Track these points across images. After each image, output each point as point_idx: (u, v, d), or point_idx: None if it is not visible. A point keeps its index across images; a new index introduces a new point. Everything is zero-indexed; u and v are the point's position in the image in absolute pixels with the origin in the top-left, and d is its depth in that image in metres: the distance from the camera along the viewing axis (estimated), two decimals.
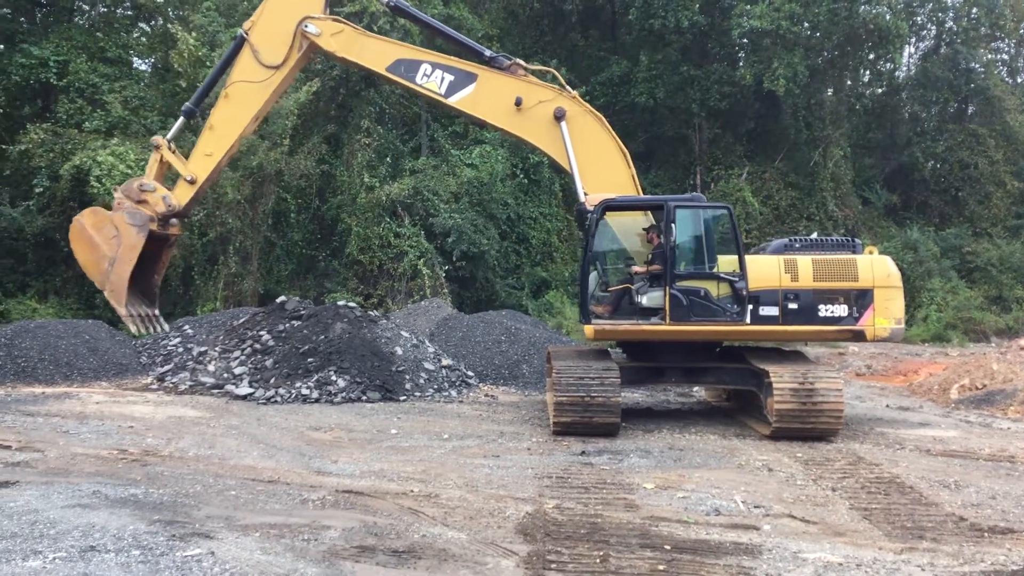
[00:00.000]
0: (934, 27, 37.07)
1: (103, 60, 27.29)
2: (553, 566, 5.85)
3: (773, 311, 11.10)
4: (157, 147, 13.19)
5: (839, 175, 31.87)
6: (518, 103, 12.50)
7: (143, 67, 30.77)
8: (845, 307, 11.14)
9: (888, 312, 11.21)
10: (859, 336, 11.24)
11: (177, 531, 6.32)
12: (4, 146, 24.94)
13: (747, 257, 11.32)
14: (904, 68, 37.04)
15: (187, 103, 13.50)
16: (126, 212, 12.92)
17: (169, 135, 13.28)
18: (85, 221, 13.03)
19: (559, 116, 12.47)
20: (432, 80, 12.76)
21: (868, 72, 35.76)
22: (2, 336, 15.75)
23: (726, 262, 11.37)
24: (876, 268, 11.31)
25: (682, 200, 11.65)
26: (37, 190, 23.91)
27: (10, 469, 8.39)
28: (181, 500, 7.33)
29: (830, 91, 33.15)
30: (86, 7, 30.95)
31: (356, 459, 9.42)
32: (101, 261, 12.94)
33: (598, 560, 6.00)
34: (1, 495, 7.28)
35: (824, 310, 11.14)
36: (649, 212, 12.67)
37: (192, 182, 13.14)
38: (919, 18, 36.82)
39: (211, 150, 13.20)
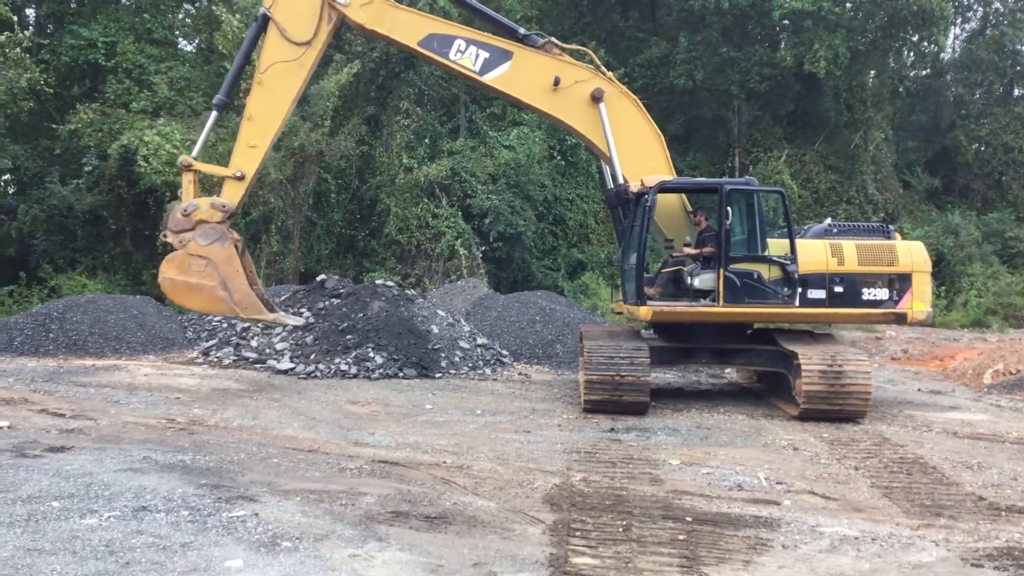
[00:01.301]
0: (980, 8, 36.44)
1: (150, 41, 27.93)
2: (577, 533, 6.12)
3: (820, 294, 11.30)
4: (187, 167, 12.11)
5: (880, 158, 31.60)
6: (556, 82, 12.29)
7: (188, 48, 31.35)
8: (886, 291, 11.37)
9: (924, 296, 11.49)
10: (901, 319, 11.49)
11: (223, 494, 6.69)
12: (54, 126, 25.62)
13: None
14: (949, 50, 36.48)
15: (217, 96, 12.57)
16: (198, 236, 11.79)
17: (196, 150, 12.39)
18: (169, 274, 11.90)
19: (597, 97, 12.37)
20: (466, 56, 12.31)
21: (911, 54, 35.28)
22: (54, 310, 16.38)
23: (775, 245, 11.55)
24: (914, 253, 11.59)
25: (737, 183, 11.85)
26: (86, 169, 24.62)
27: (65, 435, 8.85)
28: (226, 466, 7.72)
29: (872, 73, 32.77)
30: None
31: (392, 432, 9.77)
32: (215, 295, 11.74)
33: (621, 529, 6.25)
34: (58, 459, 7.72)
35: (867, 293, 11.37)
36: (684, 195, 12.84)
37: (241, 178, 12.05)
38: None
39: (255, 141, 12.13)
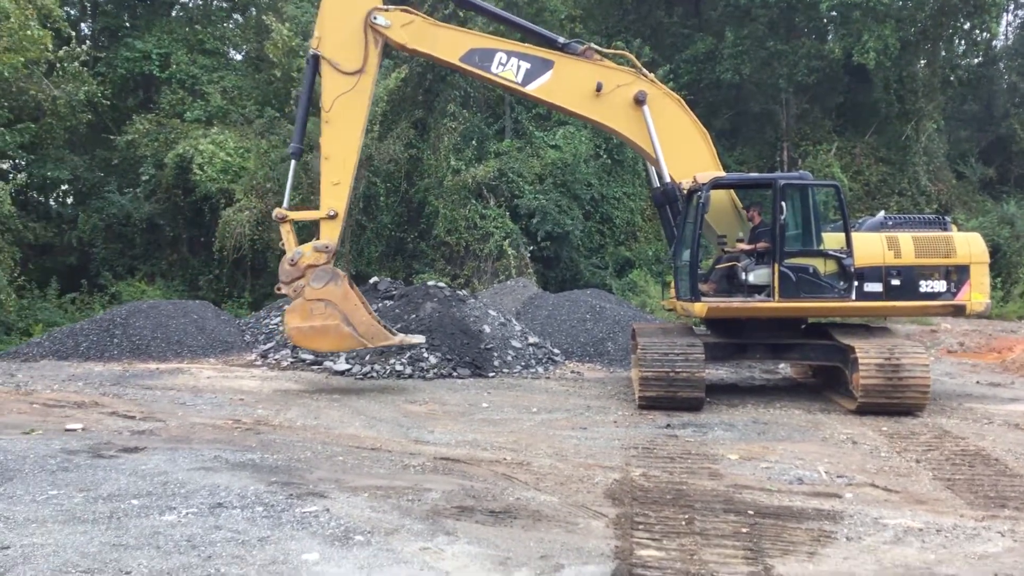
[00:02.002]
0: None
1: (202, 52, 28.54)
2: (641, 527, 6.22)
3: (877, 287, 11.28)
4: (283, 219, 12.53)
5: (932, 149, 31.07)
6: (599, 88, 12.41)
7: (237, 57, 31.95)
8: (944, 282, 11.34)
9: (983, 287, 11.40)
10: (960, 311, 11.45)
11: (294, 491, 6.90)
12: (111, 136, 26.32)
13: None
14: (1001, 37, 35.74)
15: (291, 144, 12.92)
16: (311, 282, 12.19)
17: (285, 200, 12.75)
18: (294, 323, 12.27)
19: (640, 100, 12.45)
20: (508, 68, 12.51)
21: (963, 42, 34.62)
22: (117, 316, 16.85)
23: (830, 239, 11.53)
24: (972, 244, 11.52)
25: (791, 178, 11.87)
26: (143, 178, 25.28)
27: (137, 436, 9.15)
28: (294, 464, 7.94)
29: (923, 63, 32.23)
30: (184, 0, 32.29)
31: (451, 430, 9.94)
32: (341, 332, 12.13)
33: (684, 522, 6.34)
34: (132, 459, 8.01)
35: (925, 286, 11.34)
36: (733, 191, 12.85)
37: (334, 216, 12.34)
38: None
39: (337, 178, 12.40)
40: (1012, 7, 36.17)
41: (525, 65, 12.52)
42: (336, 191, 12.46)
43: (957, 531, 6.24)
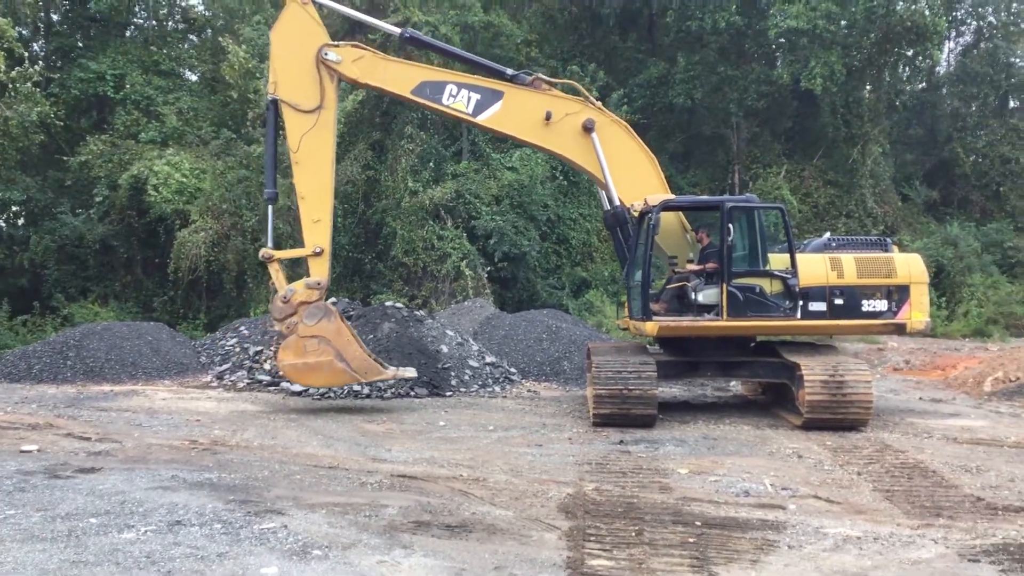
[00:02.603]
0: (974, 22, 36.93)
1: (157, 73, 28.46)
2: (592, 538, 6.42)
3: (821, 306, 11.63)
4: (269, 259, 12.70)
5: (878, 172, 31.96)
6: (548, 117, 12.67)
7: (193, 78, 31.87)
8: (885, 302, 11.70)
9: (922, 306, 11.81)
10: (900, 329, 11.85)
11: (252, 508, 7.00)
12: (65, 157, 26.13)
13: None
14: (944, 64, 36.96)
15: (267, 191, 13.16)
16: (303, 319, 12.35)
17: (268, 240, 12.91)
18: (288, 360, 12.40)
19: (589, 127, 12.73)
20: (459, 100, 12.73)
21: (907, 69, 35.75)
22: (71, 338, 16.73)
23: (776, 259, 11.89)
24: (912, 265, 11.94)
25: (738, 201, 12.24)
26: (97, 199, 25.11)
27: (93, 457, 9.16)
28: (252, 483, 8.02)
29: (868, 88, 33.20)
30: (139, 20, 32.15)
31: (408, 448, 10.07)
32: (335, 368, 12.28)
33: (634, 533, 6.55)
34: (89, 479, 8.03)
35: (867, 305, 11.69)
36: (682, 214, 13.20)
37: (320, 253, 12.52)
38: (959, 13, 36.71)
39: (316, 215, 12.56)
40: (953, 35, 37.44)
41: (475, 96, 12.76)
42: (318, 228, 12.62)
43: (893, 539, 6.53)
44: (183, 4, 33.55)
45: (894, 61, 32.98)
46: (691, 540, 6.41)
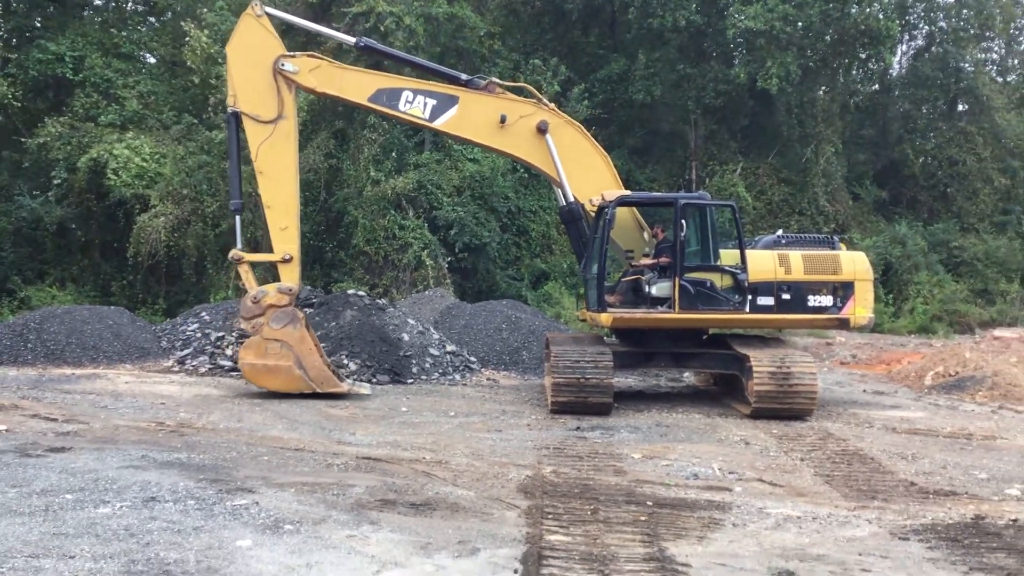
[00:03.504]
0: (925, 27, 37.90)
1: (117, 56, 28.20)
2: (550, 516, 6.79)
3: (769, 301, 12.12)
4: (238, 261, 13.03)
5: (830, 171, 32.73)
6: (503, 120, 13.00)
7: (151, 60, 31.57)
8: (830, 298, 12.21)
9: (866, 302, 12.33)
10: (844, 324, 12.38)
11: (223, 487, 7.26)
12: (23, 139, 25.85)
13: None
14: (896, 67, 37.90)
15: (232, 202, 13.46)
16: (271, 321, 12.60)
17: (239, 244, 13.21)
18: (248, 359, 12.63)
19: (543, 129, 13.11)
20: (415, 106, 13.03)
21: (860, 71, 36.62)
22: (31, 321, 16.73)
23: (727, 255, 12.34)
24: (857, 263, 12.44)
25: (691, 198, 12.69)
26: (55, 182, 24.91)
27: (62, 437, 9.33)
28: (221, 463, 8.28)
29: (823, 89, 33.99)
30: (97, 2, 31.81)
31: (372, 432, 10.38)
32: (292, 374, 12.50)
33: (589, 512, 6.94)
34: (60, 458, 8.22)
35: (813, 300, 12.19)
36: (636, 209, 13.63)
37: (289, 259, 12.87)
38: (911, 18, 37.64)
39: (283, 223, 12.93)
40: (906, 39, 38.39)
41: (431, 102, 13.08)
42: (285, 235, 12.99)
43: (831, 519, 6.99)
44: None
45: (848, 63, 33.83)
46: (643, 518, 6.80)
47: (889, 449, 9.92)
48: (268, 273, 14.50)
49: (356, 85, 13.27)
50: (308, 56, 13.26)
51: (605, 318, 12.05)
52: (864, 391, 15.43)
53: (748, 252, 12.26)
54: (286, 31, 13.95)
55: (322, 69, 13.08)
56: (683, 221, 12.06)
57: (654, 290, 12.33)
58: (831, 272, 12.22)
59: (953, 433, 11.10)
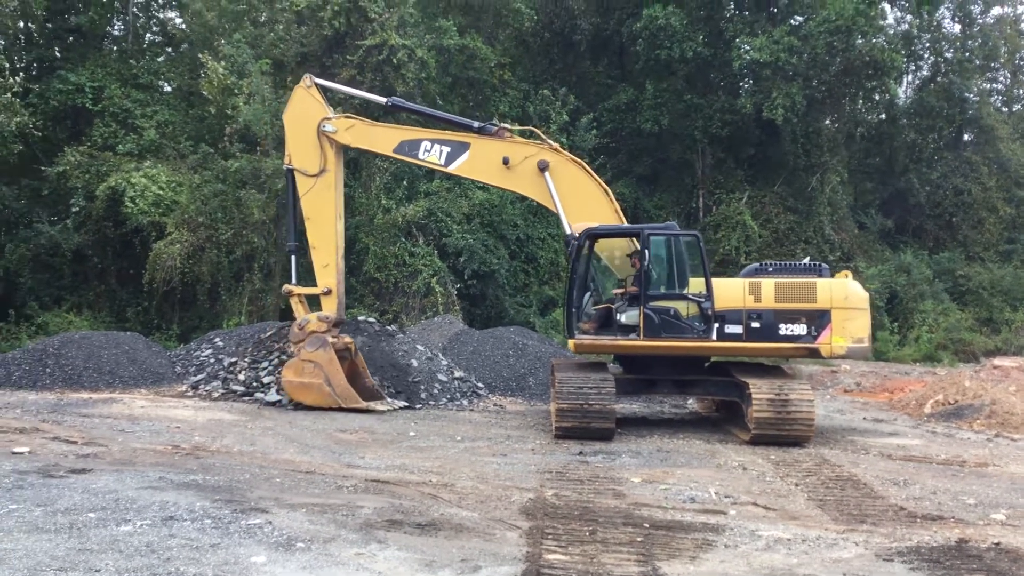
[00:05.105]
0: (931, 57, 38.36)
1: (135, 86, 28.88)
2: (550, 536, 7.11)
3: (737, 329, 12.23)
4: (289, 293, 15.20)
5: (836, 200, 33.11)
6: (506, 162, 14.05)
7: (167, 89, 32.25)
8: (804, 326, 12.15)
9: (845, 331, 12.13)
10: (815, 353, 12.31)
11: (237, 507, 7.60)
12: (43, 168, 26.46)
13: (715, 280, 12.50)
14: (902, 96, 38.33)
15: (289, 244, 15.58)
16: (307, 345, 14.49)
17: (293, 279, 15.37)
18: (288, 377, 14.63)
19: (543, 167, 13.89)
20: (432, 154, 14.51)
21: (865, 101, 37.09)
22: (50, 346, 17.16)
23: (696, 284, 12.54)
24: (834, 290, 12.27)
25: (656, 228, 13.03)
26: (74, 209, 25.46)
27: (82, 460, 9.69)
28: (235, 485, 8.62)
29: (828, 119, 34.42)
30: (116, 32, 32.56)
31: (380, 456, 10.71)
32: (323, 390, 14.31)
33: (587, 533, 7.25)
34: (82, 479, 8.58)
35: (784, 329, 12.17)
36: (635, 239, 14.01)
37: (329, 292, 14.88)
38: (917, 48, 38.12)
39: (326, 261, 14.92)
40: (912, 68, 38.87)
41: (446, 149, 14.52)
42: (327, 271, 15.00)
43: (819, 541, 7.28)
44: (161, 16, 34.07)
45: (853, 93, 34.25)
46: (639, 539, 7.11)
47: (882, 475, 10.18)
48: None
49: (383, 138, 15.04)
50: (345, 117, 15.24)
51: (572, 344, 12.69)
52: (864, 419, 15.68)
53: (719, 280, 12.54)
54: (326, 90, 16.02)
55: (356, 128, 15.01)
56: (647, 251, 12.34)
57: (623, 318, 12.70)
58: (805, 300, 12.14)
59: (947, 460, 11.34)
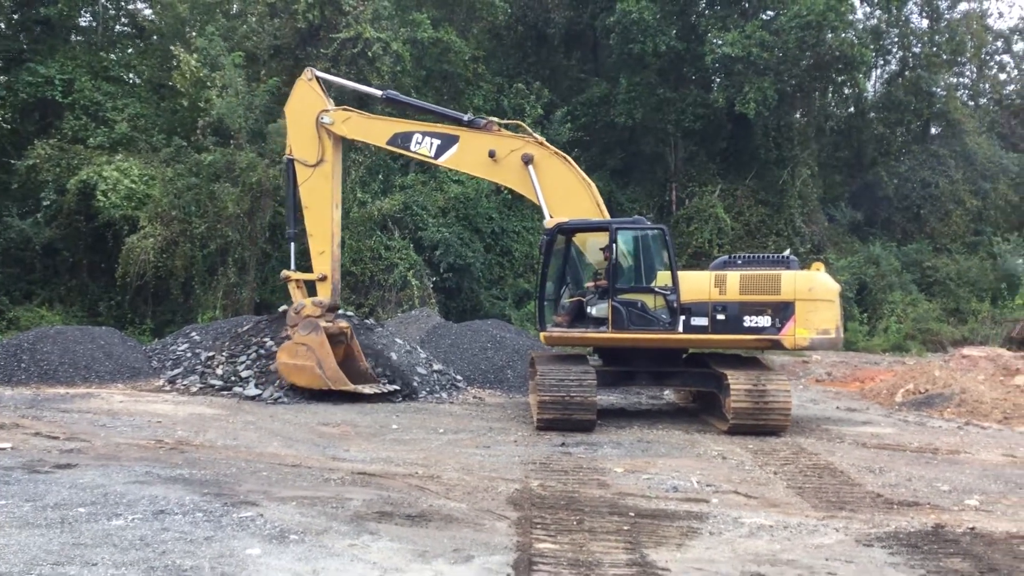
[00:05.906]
0: (899, 52, 38.85)
1: (106, 78, 28.56)
2: (539, 526, 7.23)
3: (703, 321, 12.38)
4: (287, 279, 15.69)
5: (806, 193, 33.49)
6: (491, 155, 14.26)
7: (138, 81, 31.87)
8: (769, 318, 12.29)
9: (809, 323, 12.24)
10: (777, 345, 12.46)
11: (227, 500, 7.65)
12: (12, 161, 26.15)
13: (682, 273, 12.71)
14: (871, 91, 38.80)
15: (288, 231, 15.89)
16: (300, 329, 14.91)
17: (292, 265, 15.73)
18: (283, 359, 15.06)
19: (527, 160, 14.05)
20: (423, 146, 14.81)
21: (835, 95, 37.51)
22: (24, 341, 17.01)
23: (663, 277, 12.74)
24: (799, 282, 12.38)
25: (623, 223, 13.30)
26: (44, 203, 25.17)
27: (66, 455, 9.68)
28: (222, 479, 8.66)
29: (799, 113, 34.79)
30: (83, 23, 32.12)
31: (365, 449, 10.78)
32: (314, 372, 14.67)
33: (575, 522, 7.38)
34: (68, 474, 8.59)
35: (749, 321, 12.32)
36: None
37: (324, 279, 15.25)
38: (885, 43, 38.58)
39: (322, 248, 15.28)
40: (880, 63, 39.34)
41: (436, 142, 14.79)
42: (322, 258, 15.39)
43: (800, 527, 7.46)
44: (130, 7, 33.63)
45: (823, 88, 34.64)
46: (625, 528, 7.25)
47: (858, 463, 10.42)
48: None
49: (378, 130, 15.44)
50: (342, 109, 15.49)
51: (543, 336, 12.99)
52: (837, 408, 15.97)
53: (686, 273, 12.77)
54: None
55: (352, 120, 15.29)
56: (615, 245, 12.55)
57: (593, 311, 12.91)
58: (770, 292, 12.26)
59: (920, 448, 11.62)
